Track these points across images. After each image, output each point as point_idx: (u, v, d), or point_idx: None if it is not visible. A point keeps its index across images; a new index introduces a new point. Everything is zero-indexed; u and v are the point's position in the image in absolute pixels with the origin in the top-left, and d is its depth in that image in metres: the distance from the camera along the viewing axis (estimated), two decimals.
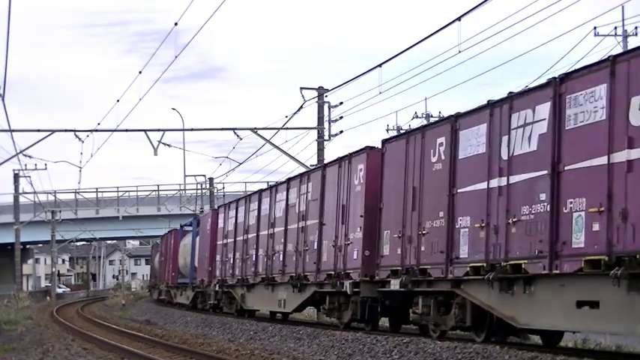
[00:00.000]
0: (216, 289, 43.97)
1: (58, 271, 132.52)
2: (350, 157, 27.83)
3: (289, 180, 33.97)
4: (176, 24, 32.34)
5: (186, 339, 29.87)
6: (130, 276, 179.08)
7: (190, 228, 56.31)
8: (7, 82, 53.93)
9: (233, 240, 41.02)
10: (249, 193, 45.02)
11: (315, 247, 30.03)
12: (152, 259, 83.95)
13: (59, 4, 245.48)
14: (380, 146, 26.24)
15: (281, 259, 33.58)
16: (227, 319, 37.35)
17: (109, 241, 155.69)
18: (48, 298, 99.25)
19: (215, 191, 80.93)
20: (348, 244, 27.38)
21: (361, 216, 26.56)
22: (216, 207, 50.18)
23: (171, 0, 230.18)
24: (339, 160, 28.55)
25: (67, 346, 27.40)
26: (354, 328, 28.08)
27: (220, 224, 43.95)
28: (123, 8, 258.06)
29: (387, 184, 25.55)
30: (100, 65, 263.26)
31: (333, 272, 28.36)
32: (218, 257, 43.99)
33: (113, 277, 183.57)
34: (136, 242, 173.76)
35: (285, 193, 33.73)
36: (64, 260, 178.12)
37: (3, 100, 41.23)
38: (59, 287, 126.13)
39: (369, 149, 26.78)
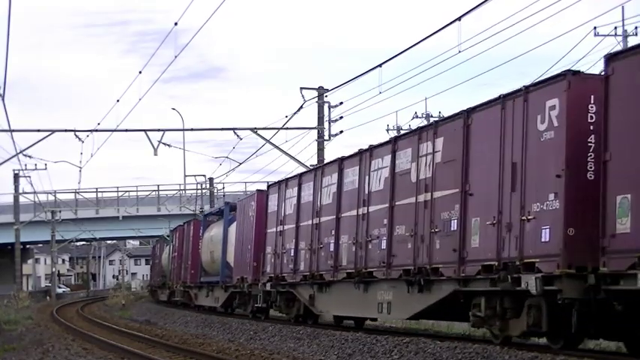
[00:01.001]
0: (267, 288, 32.15)
1: (58, 271, 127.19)
2: (526, 92, 16.89)
3: (396, 139, 22.85)
4: (176, 24, 29.87)
5: (186, 339, 27.87)
6: (130, 276, 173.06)
7: (217, 217, 44.62)
8: (7, 82, 50.00)
9: (294, 226, 29.53)
10: (293, 174, 33.06)
11: (454, 227, 19.41)
12: (157, 255, 71.25)
13: (59, 4, 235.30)
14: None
15: (383, 246, 22.79)
16: (227, 319, 34.41)
17: (109, 241, 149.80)
18: (48, 298, 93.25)
19: (215, 191, 74.97)
20: (528, 219, 16.66)
21: (558, 176, 15.75)
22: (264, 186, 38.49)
23: (171, 0, 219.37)
24: (502, 100, 17.63)
25: (67, 346, 25.55)
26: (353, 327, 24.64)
27: (272, 207, 32.34)
28: (123, 8, 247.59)
29: (618, 123, 14.57)
30: (100, 65, 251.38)
31: (495, 262, 17.60)
32: (269, 249, 32.23)
33: (113, 277, 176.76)
34: (136, 242, 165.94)
35: (388, 158, 22.89)
36: (64, 260, 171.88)
37: (3, 100, 37.77)
38: (59, 287, 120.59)
39: (570, 75, 15.89)
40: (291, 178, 31.45)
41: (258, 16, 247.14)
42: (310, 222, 28.20)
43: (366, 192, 24.09)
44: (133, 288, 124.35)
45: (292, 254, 29.50)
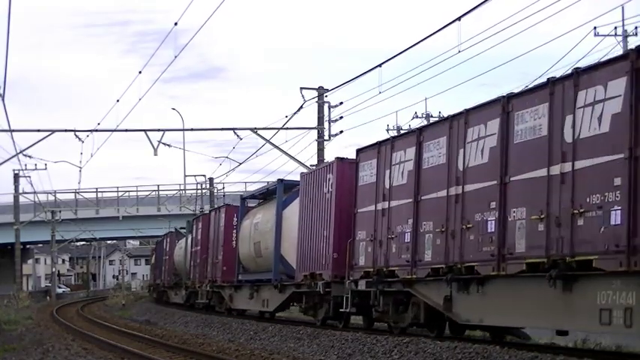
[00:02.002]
0: (362, 287, 24.21)
1: (58, 271, 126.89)
2: None
3: None
4: (176, 24, 29.61)
5: (186, 339, 27.70)
6: (130, 276, 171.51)
7: (258, 201, 37.70)
8: (7, 82, 51.96)
9: (411, 201, 21.44)
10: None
11: None
12: (165, 251, 63.99)
13: (59, 4, 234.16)
14: None
15: (615, 221, 14.98)
16: (227, 319, 33.59)
17: (109, 241, 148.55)
18: (48, 298, 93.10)
19: (215, 191, 74.27)
20: None
21: None
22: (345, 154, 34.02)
23: (171, 0, 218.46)
24: None
25: (67, 346, 25.45)
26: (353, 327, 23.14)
27: (366, 179, 24.26)
28: (123, 8, 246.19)
29: None
30: (100, 65, 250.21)
31: None
32: (362, 234, 24.22)
33: (113, 277, 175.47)
34: (136, 242, 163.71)
35: (618, 84, 15.15)
36: (64, 260, 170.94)
37: (3, 100, 37.84)
38: (59, 287, 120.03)
39: None
40: (400, 136, 23.03)
41: (258, 16, 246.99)
42: (444, 193, 20.03)
43: (569, 141, 16.14)
44: (133, 288, 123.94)
45: (407, 240, 21.56)
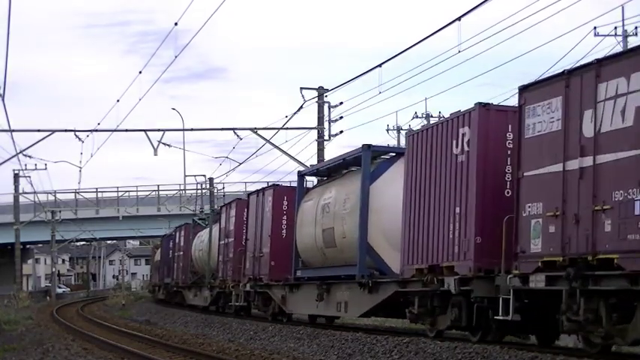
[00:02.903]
0: (535, 284, 16.99)
1: (58, 271, 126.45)
2: None
3: None
4: (176, 24, 29.68)
5: (186, 339, 27.55)
6: (130, 276, 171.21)
7: (319, 178, 31.73)
8: (8, 82, 51.44)
9: None
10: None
11: None
12: (179, 246, 56.71)
13: (59, 4, 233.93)
14: None
15: None
16: (227, 319, 33.44)
17: (109, 241, 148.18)
18: (48, 298, 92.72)
19: (215, 191, 73.27)
20: None
21: None
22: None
23: (171, 0, 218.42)
24: None
25: (67, 346, 25.32)
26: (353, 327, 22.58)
27: (543, 126, 17.21)
28: (123, 8, 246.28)
29: None
30: (100, 65, 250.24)
31: None
32: (534, 207, 17.32)
33: (113, 277, 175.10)
34: (136, 242, 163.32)
35: None
36: (64, 260, 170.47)
37: (3, 100, 37.72)
38: (59, 287, 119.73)
39: None
40: (615, 56, 15.84)
41: (258, 16, 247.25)
42: None
43: None
44: (133, 288, 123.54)
45: (638, 211, 14.73)
